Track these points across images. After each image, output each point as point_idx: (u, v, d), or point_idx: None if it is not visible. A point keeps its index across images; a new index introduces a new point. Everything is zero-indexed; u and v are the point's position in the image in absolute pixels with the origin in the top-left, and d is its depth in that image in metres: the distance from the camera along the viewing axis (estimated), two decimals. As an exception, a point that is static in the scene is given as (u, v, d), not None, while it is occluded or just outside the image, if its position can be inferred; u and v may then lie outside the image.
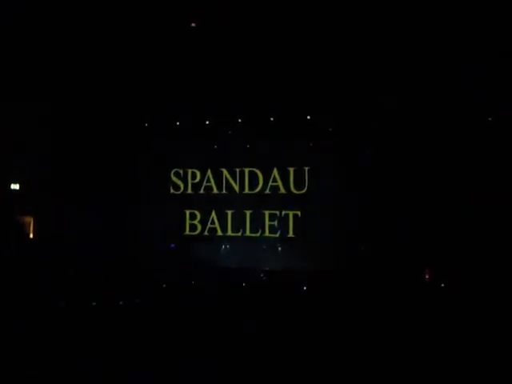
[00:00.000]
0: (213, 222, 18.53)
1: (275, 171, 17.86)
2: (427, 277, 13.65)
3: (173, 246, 18.86)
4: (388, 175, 15.10)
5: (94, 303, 8.01)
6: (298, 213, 17.59)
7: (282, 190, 17.83)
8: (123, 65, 13.99)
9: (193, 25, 12.28)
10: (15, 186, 17.90)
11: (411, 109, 14.43)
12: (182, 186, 18.90)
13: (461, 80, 13.57)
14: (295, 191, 17.72)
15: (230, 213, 18.39)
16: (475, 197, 13.97)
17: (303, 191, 17.63)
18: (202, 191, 18.71)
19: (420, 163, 14.77)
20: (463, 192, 14.18)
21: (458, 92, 13.88)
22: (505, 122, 13.93)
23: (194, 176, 18.82)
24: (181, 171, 18.91)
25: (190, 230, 18.80)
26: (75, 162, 17.61)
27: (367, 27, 12.49)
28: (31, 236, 18.34)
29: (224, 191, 18.49)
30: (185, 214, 18.84)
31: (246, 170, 18.24)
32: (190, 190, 18.89)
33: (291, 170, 17.74)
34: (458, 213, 14.24)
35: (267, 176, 17.95)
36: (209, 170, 18.60)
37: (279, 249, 17.50)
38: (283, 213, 17.78)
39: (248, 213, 18.13)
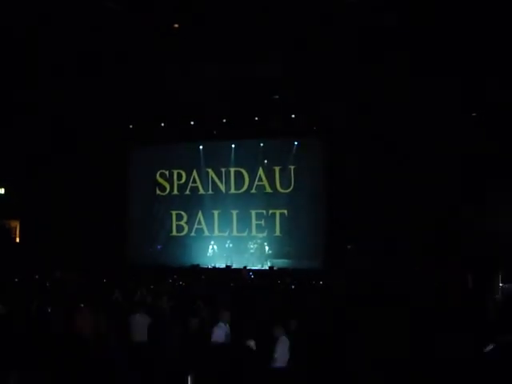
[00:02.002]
0: (199, 223, 18.55)
1: (261, 170, 17.89)
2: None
3: (159, 247, 18.86)
4: (375, 173, 15.13)
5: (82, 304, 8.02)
6: (285, 212, 17.63)
7: (269, 189, 17.87)
8: (107, 68, 13.94)
9: (175, 26, 12.28)
10: (0, 191, 17.79)
11: (397, 108, 14.48)
12: (168, 187, 18.93)
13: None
14: (281, 190, 17.76)
15: (216, 213, 18.42)
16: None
17: (289, 190, 17.67)
18: (187, 192, 18.75)
19: (405, 161, 14.83)
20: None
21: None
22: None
23: (179, 177, 18.86)
24: (166, 172, 18.93)
25: (177, 231, 18.84)
26: (61, 165, 17.53)
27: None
28: (17, 240, 18.28)
29: (210, 191, 18.53)
30: (171, 215, 18.87)
31: (232, 170, 18.26)
32: (176, 191, 18.92)
33: (277, 169, 17.78)
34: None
35: (253, 175, 18.00)
36: (194, 171, 18.63)
37: (266, 248, 17.51)
38: (270, 212, 17.82)
39: (234, 213, 18.17)
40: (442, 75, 13.05)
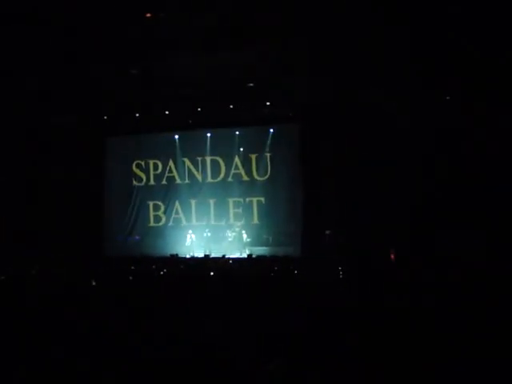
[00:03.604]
0: (177, 213, 18.52)
1: (237, 159, 17.89)
2: (392, 257, 13.86)
3: (137, 237, 18.81)
4: (352, 160, 15.23)
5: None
6: (262, 199, 17.67)
7: (245, 178, 17.88)
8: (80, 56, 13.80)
9: (148, 15, 12.19)
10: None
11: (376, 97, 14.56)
12: (144, 177, 18.85)
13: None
14: (258, 178, 17.78)
15: (193, 202, 18.39)
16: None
17: (266, 177, 17.69)
18: (164, 182, 18.68)
19: (382, 147, 14.92)
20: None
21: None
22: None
23: (155, 167, 18.78)
24: (142, 163, 18.83)
25: (155, 222, 18.80)
26: (35, 156, 17.31)
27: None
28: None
29: (187, 181, 18.48)
30: (148, 205, 18.82)
31: (208, 159, 18.22)
32: (152, 182, 18.85)
33: (253, 156, 17.78)
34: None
35: (229, 164, 17.97)
36: (170, 160, 18.56)
37: (244, 236, 17.54)
38: (247, 200, 17.84)
39: (212, 201, 18.16)
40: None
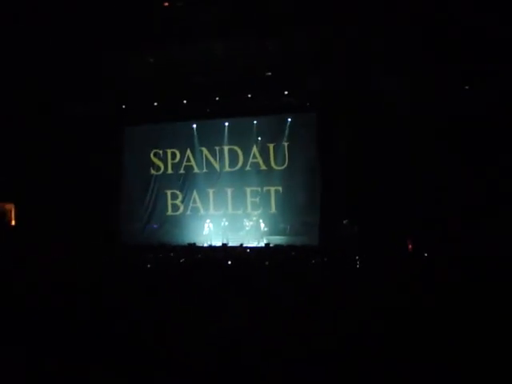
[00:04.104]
0: (195, 202, 18.57)
1: (254, 148, 17.86)
2: (410, 247, 13.80)
3: (155, 226, 18.92)
4: (369, 149, 15.13)
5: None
6: (280, 188, 17.64)
7: (263, 167, 17.86)
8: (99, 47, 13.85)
9: (166, 4, 12.18)
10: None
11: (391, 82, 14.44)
12: (162, 166, 18.91)
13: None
14: (276, 167, 17.74)
15: (211, 191, 18.43)
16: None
17: (284, 167, 17.66)
18: (182, 171, 18.73)
19: (402, 135, 14.80)
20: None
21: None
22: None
23: (173, 156, 18.83)
24: (160, 152, 18.90)
25: (173, 210, 18.87)
26: (54, 146, 17.44)
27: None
28: (13, 223, 18.24)
29: (205, 170, 18.51)
30: (166, 194, 18.89)
31: (226, 148, 18.23)
32: (170, 170, 18.90)
33: (271, 146, 17.74)
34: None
35: (247, 153, 17.97)
36: (188, 150, 18.59)
37: (262, 225, 17.54)
38: (264, 189, 17.82)
39: (229, 190, 18.18)
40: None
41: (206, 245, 17.32)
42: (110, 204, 18.26)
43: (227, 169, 18.26)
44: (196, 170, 18.56)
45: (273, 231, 17.50)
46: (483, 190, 13.63)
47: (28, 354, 5.19)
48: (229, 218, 18.02)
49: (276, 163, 17.70)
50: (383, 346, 5.19)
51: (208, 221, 18.15)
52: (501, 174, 13.53)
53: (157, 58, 14.75)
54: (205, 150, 18.41)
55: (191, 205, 18.57)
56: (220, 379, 4.93)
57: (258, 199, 17.85)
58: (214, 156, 18.34)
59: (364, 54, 13.65)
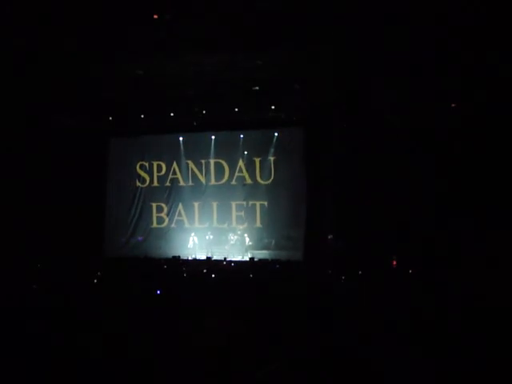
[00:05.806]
0: (180, 215, 18.52)
1: (241, 162, 17.87)
2: (394, 264, 13.80)
3: (140, 238, 18.83)
4: (356, 165, 15.14)
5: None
6: (265, 203, 17.64)
7: (249, 181, 17.86)
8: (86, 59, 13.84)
9: (155, 17, 12.21)
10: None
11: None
12: (147, 178, 18.86)
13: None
14: (261, 181, 17.75)
15: (196, 205, 18.39)
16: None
17: (269, 181, 17.67)
18: (168, 183, 18.68)
19: (387, 153, 14.83)
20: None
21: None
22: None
23: (159, 169, 18.79)
24: (146, 164, 18.85)
25: (158, 223, 18.80)
26: (37, 155, 17.29)
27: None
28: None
29: (190, 183, 18.48)
30: (151, 206, 18.83)
31: (212, 162, 18.22)
32: (156, 183, 18.85)
33: (257, 160, 17.76)
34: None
35: (233, 167, 17.97)
36: (174, 162, 18.56)
37: (247, 239, 17.51)
38: (250, 203, 17.81)
39: (215, 204, 18.14)
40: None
41: (190, 258, 17.25)
42: (94, 216, 18.16)
43: (213, 182, 18.25)
44: (182, 182, 18.53)
45: (257, 245, 17.48)
46: (472, 208, 13.66)
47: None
48: (214, 231, 17.99)
49: (262, 177, 17.72)
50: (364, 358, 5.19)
51: (193, 234, 18.11)
52: (492, 191, 13.56)
53: (145, 70, 14.74)
54: (191, 163, 18.40)
55: (176, 218, 18.52)
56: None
57: (243, 213, 17.82)
58: (200, 169, 18.33)
59: (352, 68, 13.71)
